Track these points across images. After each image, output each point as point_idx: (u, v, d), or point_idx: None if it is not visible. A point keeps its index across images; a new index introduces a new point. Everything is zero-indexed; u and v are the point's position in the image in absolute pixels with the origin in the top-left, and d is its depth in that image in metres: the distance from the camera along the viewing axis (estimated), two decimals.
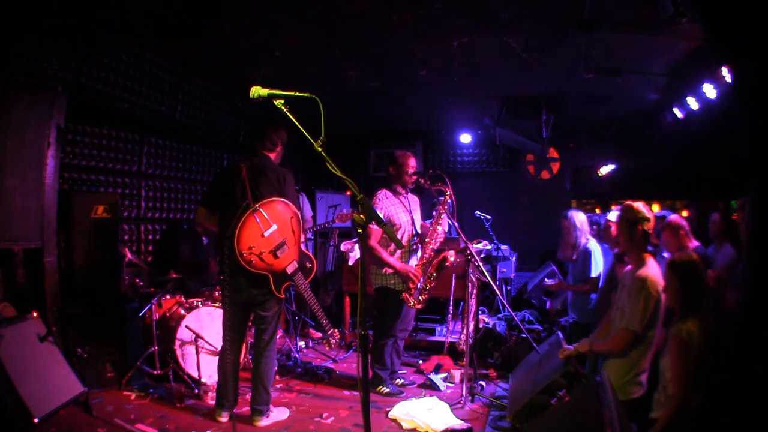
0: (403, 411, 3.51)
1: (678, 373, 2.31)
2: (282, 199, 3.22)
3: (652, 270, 2.70)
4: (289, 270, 3.25)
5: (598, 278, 4.15)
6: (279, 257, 3.18)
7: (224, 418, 3.35)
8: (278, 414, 3.45)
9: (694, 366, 2.28)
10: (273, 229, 3.15)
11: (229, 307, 3.31)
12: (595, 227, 4.47)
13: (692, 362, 2.28)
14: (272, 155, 3.42)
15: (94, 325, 3.91)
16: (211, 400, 3.64)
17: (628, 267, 2.93)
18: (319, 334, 5.59)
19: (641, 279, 2.66)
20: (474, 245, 4.49)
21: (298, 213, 3.29)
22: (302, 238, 3.47)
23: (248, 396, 3.43)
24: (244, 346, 3.96)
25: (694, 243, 3.79)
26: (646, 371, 2.72)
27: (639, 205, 2.82)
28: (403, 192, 4.05)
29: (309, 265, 3.45)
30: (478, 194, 7.19)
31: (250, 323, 3.60)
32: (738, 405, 1.77)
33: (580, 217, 4.35)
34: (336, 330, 3.71)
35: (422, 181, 3.93)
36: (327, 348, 4.06)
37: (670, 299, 2.51)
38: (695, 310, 2.39)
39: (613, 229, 3.92)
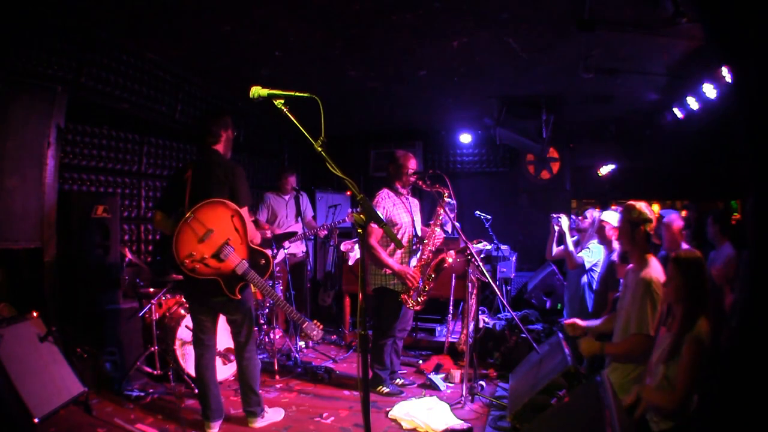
0: (403, 411, 3.51)
1: (689, 378, 2.21)
2: (218, 200, 3.07)
3: (655, 271, 2.69)
4: (239, 270, 3.09)
5: (581, 263, 4.19)
6: (224, 260, 3.05)
7: (215, 429, 3.22)
8: (274, 415, 3.43)
9: (702, 368, 2.20)
10: (210, 233, 3.03)
11: (191, 314, 3.33)
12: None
13: (703, 365, 2.20)
14: (220, 147, 3.28)
15: (94, 325, 3.91)
16: None
17: (630, 266, 2.92)
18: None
19: (645, 281, 2.65)
20: (474, 245, 4.49)
21: (240, 210, 3.10)
22: (257, 236, 3.25)
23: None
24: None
25: (684, 246, 3.77)
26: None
27: (642, 206, 2.80)
28: (404, 192, 4.04)
29: (263, 262, 3.23)
30: (478, 194, 7.19)
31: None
32: (738, 405, 1.76)
33: (594, 216, 4.36)
34: (316, 321, 3.41)
35: (420, 182, 3.92)
36: (311, 342, 3.87)
37: (673, 296, 2.40)
38: (702, 308, 2.30)
39: (607, 229, 3.93)
